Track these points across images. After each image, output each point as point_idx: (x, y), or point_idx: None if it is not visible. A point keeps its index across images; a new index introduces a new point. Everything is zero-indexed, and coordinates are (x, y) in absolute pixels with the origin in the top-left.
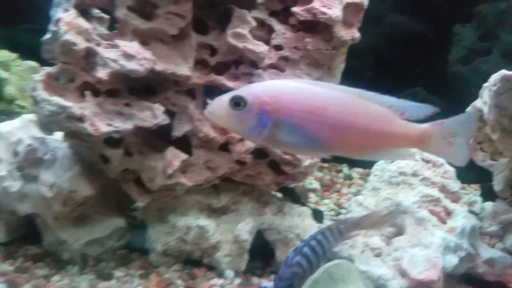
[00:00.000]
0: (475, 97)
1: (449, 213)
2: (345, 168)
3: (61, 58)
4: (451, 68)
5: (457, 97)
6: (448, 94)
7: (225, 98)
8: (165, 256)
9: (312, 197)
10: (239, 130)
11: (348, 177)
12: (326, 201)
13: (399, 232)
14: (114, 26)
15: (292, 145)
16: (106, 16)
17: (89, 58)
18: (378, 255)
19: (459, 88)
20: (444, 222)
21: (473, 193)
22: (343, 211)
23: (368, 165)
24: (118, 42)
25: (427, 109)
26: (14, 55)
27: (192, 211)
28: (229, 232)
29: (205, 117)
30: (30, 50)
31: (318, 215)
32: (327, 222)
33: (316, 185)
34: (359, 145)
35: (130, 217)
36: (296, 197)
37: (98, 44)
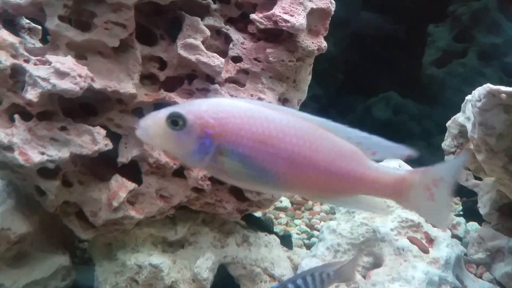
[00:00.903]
0: (451, 101)
1: (431, 240)
2: None
3: None
4: (426, 71)
5: (433, 101)
6: (423, 98)
7: (161, 114)
8: None
9: (282, 217)
10: (177, 153)
11: None
12: (297, 221)
13: (377, 262)
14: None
15: (239, 177)
16: (38, 27)
17: (17, 76)
18: None
19: (434, 92)
20: (426, 252)
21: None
22: (315, 233)
23: None
24: (50, 57)
25: (401, 151)
26: None
27: (144, 247)
28: (187, 269)
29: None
30: None
31: (287, 241)
32: (298, 250)
33: (286, 203)
34: (319, 187)
35: (79, 249)
36: (262, 224)
37: (27, 61)
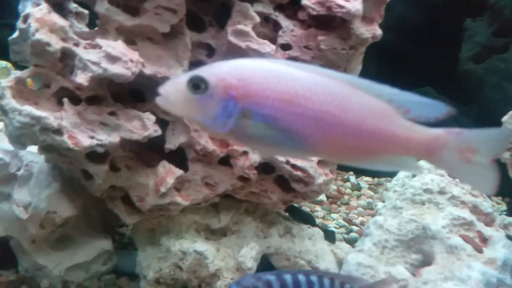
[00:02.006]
0: (490, 98)
1: (484, 239)
2: (352, 177)
3: (32, 61)
4: (463, 67)
5: (470, 98)
6: (459, 94)
7: (182, 79)
8: (158, 284)
9: (319, 210)
10: (198, 119)
11: (356, 187)
12: (334, 215)
13: (426, 260)
14: (95, 23)
15: (264, 141)
16: (85, 11)
17: (66, 60)
18: None
19: (472, 89)
20: (480, 251)
21: (495, 207)
22: (354, 227)
23: (377, 174)
24: (100, 41)
25: (440, 108)
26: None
27: (188, 233)
28: (231, 258)
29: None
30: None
31: (329, 235)
32: (340, 244)
33: (322, 196)
34: (348, 147)
35: (118, 234)
36: (304, 216)
37: (76, 44)
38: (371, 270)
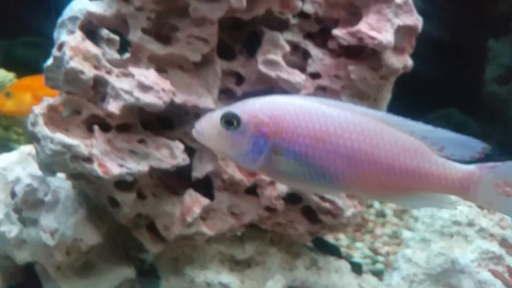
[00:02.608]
0: None
1: None
2: (376, 203)
3: (65, 88)
4: (487, 88)
5: (494, 120)
6: (485, 117)
7: (216, 114)
8: None
9: (342, 238)
10: (230, 155)
11: (381, 214)
12: (358, 244)
13: None
14: (124, 47)
15: (295, 178)
16: (116, 38)
17: (98, 87)
18: None
19: (497, 111)
20: (509, 286)
21: None
22: (379, 258)
23: None
24: (133, 70)
25: (474, 146)
26: (11, 75)
27: (213, 264)
28: None
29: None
30: (28, 65)
31: (356, 268)
32: (366, 277)
33: None
34: (381, 185)
35: (138, 260)
36: (330, 247)
37: (109, 72)
38: None
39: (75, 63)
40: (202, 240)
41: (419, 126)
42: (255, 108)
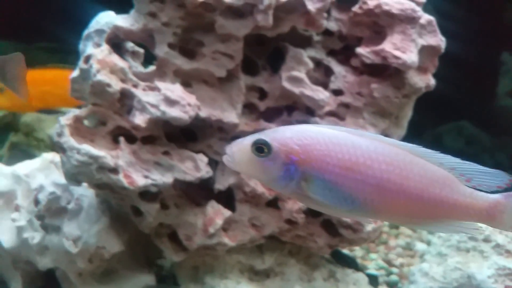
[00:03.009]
0: None
1: None
2: None
3: (91, 100)
4: (500, 102)
5: (506, 134)
6: (497, 130)
7: (247, 141)
8: None
9: (357, 249)
10: (262, 179)
11: (394, 225)
12: (373, 255)
13: None
14: (147, 59)
15: (325, 204)
16: (141, 50)
17: (124, 100)
18: None
19: (509, 124)
20: None
21: None
22: (394, 269)
23: None
24: (159, 84)
25: (501, 177)
26: None
27: (233, 273)
28: None
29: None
30: None
31: (372, 281)
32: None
33: None
34: (409, 213)
35: (156, 266)
36: (348, 259)
37: (135, 86)
38: None
39: (102, 76)
40: (223, 250)
41: (448, 158)
42: (285, 136)
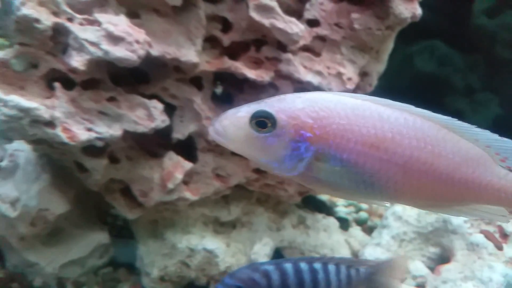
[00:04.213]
0: (500, 57)
1: (505, 235)
2: None
3: (17, 39)
4: (475, 20)
5: (480, 54)
6: (471, 50)
7: (243, 113)
8: (162, 282)
9: None
10: (262, 161)
11: None
12: None
13: (445, 254)
14: None
15: (337, 186)
16: None
17: (58, 37)
18: (421, 285)
19: (484, 45)
20: (500, 248)
21: None
22: (362, 206)
23: None
24: (99, 16)
25: None
26: None
27: (196, 227)
28: (242, 254)
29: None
30: None
31: (343, 224)
32: (353, 231)
33: None
34: (435, 195)
35: (110, 216)
36: (319, 204)
37: (70, 19)
38: None
39: (29, 10)
40: (184, 205)
41: (484, 134)
42: (295, 107)
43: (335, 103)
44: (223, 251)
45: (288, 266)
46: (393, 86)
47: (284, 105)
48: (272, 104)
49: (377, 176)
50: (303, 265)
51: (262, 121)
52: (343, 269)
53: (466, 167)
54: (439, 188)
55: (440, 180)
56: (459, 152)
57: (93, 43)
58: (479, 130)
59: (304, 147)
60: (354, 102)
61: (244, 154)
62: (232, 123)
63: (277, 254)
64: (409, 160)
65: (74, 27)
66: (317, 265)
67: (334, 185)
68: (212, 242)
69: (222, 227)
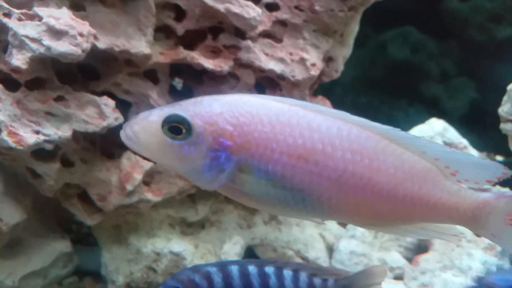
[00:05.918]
0: (474, 40)
1: None
2: None
3: None
4: (447, 4)
5: (453, 39)
6: (444, 35)
7: (154, 117)
8: None
9: None
10: (179, 169)
11: None
12: None
13: (422, 244)
14: None
15: (265, 200)
16: None
17: None
18: (399, 277)
19: (457, 29)
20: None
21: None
22: None
23: None
24: (39, 10)
25: (493, 170)
26: None
27: (161, 230)
28: (212, 254)
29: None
30: None
31: None
32: (328, 225)
33: None
34: (377, 214)
35: (75, 223)
36: None
37: (8, 15)
38: (365, 259)
39: None
40: (147, 207)
41: (432, 146)
42: (212, 111)
43: (257, 107)
44: (191, 253)
45: (234, 268)
46: (367, 75)
47: (200, 109)
48: (187, 108)
49: (307, 191)
50: (252, 268)
51: (176, 127)
52: (303, 277)
53: (411, 183)
54: (380, 206)
55: (380, 197)
56: (403, 167)
57: (34, 39)
58: (426, 141)
59: (224, 156)
60: (279, 107)
61: (160, 163)
62: (143, 128)
63: (250, 253)
64: (343, 174)
65: (12, 23)
66: (269, 269)
67: (261, 200)
68: (178, 245)
69: (190, 228)
